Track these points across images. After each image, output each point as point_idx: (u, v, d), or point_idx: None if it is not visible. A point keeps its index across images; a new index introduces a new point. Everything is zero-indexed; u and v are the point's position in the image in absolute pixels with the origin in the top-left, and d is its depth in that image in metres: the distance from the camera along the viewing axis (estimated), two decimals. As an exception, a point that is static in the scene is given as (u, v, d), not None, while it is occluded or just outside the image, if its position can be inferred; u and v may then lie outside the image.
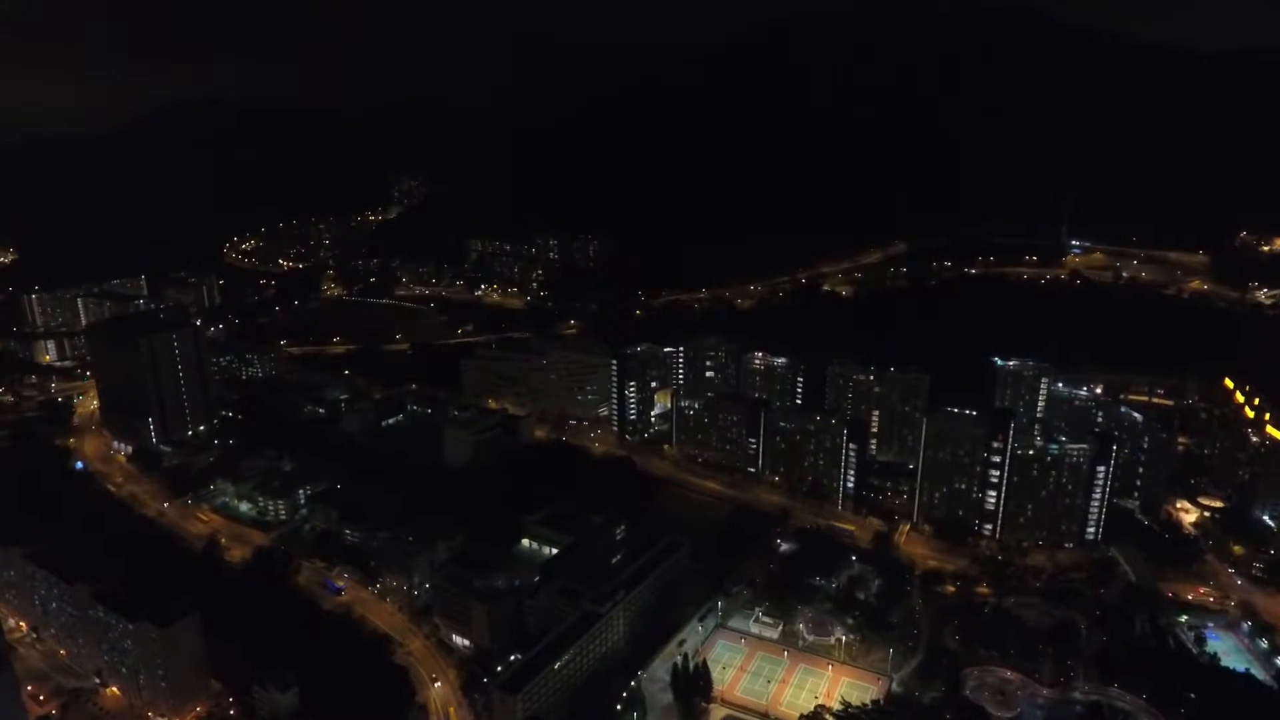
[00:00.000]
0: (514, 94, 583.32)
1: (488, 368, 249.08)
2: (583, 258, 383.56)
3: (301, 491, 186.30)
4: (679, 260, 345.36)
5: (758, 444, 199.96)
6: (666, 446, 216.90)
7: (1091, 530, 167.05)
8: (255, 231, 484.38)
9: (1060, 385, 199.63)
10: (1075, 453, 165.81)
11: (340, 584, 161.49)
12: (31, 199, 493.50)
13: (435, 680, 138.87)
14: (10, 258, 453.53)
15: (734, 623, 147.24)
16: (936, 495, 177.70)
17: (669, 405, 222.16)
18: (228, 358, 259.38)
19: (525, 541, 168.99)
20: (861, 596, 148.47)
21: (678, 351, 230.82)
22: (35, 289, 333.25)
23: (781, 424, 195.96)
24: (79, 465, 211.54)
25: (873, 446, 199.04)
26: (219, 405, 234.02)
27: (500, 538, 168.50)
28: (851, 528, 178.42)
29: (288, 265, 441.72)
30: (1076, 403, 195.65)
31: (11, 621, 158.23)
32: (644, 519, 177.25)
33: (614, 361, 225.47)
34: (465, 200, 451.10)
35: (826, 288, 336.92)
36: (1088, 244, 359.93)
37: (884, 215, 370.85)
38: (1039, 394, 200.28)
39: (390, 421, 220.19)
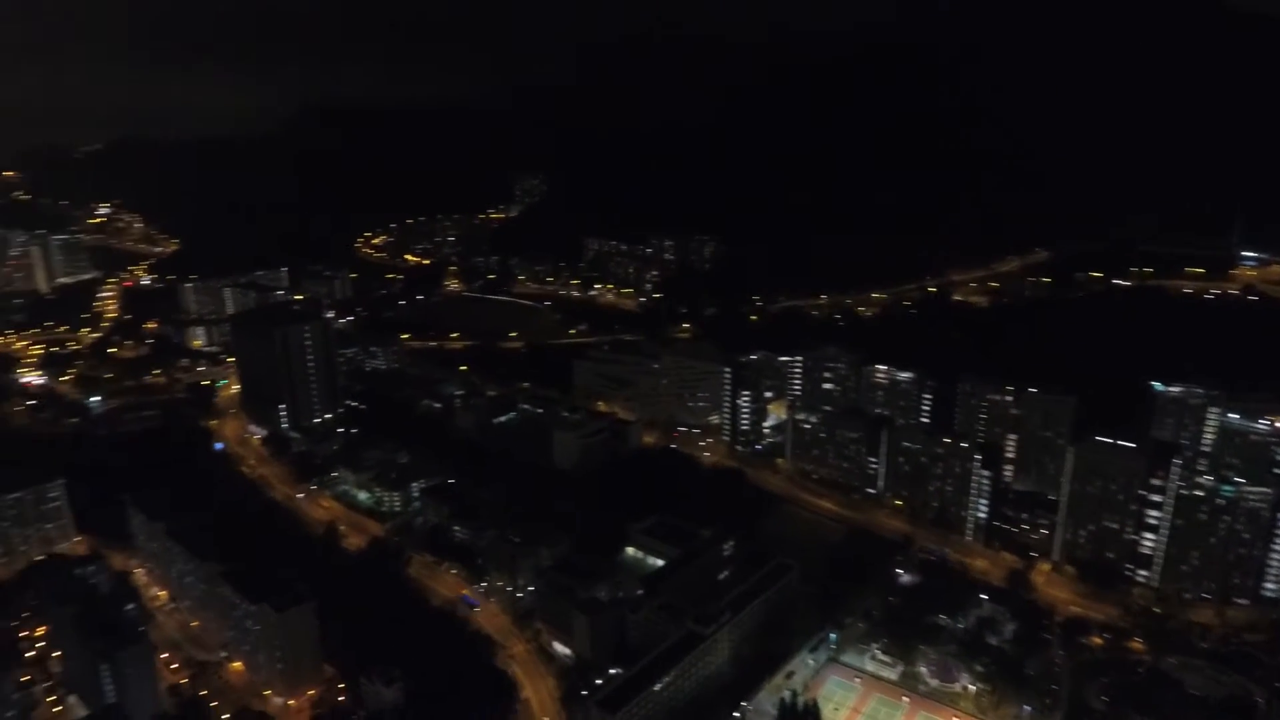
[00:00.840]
0: (635, 91, 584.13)
1: (599, 369, 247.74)
2: (698, 259, 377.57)
3: (415, 485, 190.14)
4: (798, 264, 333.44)
5: (878, 464, 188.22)
6: (780, 460, 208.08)
7: (1271, 586, 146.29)
8: (386, 227, 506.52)
9: (1233, 416, 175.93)
10: (1254, 497, 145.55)
11: (476, 600, 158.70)
12: (197, 194, 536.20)
13: (534, 688, 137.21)
14: (174, 247, 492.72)
15: (848, 658, 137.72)
16: (1082, 533, 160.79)
17: (784, 417, 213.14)
18: (354, 349, 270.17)
19: (630, 550, 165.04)
20: (993, 641, 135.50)
21: (795, 361, 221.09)
22: (191, 278, 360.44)
23: (906, 444, 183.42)
24: (218, 446, 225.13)
25: (1008, 474, 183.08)
26: (344, 395, 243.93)
27: (605, 545, 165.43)
28: (982, 562, 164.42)
29: (414, 261, 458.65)
30: (1253, 437, 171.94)
31: (154, 590, 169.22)
32: (753, 536, 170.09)
33: (727, 369, 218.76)
34: (584, 199, 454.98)
35: (957, 297, 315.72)
36: (1264, 255, 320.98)
37: (1023, 219, 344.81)
38: (1206, 425, 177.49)
39: (502, 419, 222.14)
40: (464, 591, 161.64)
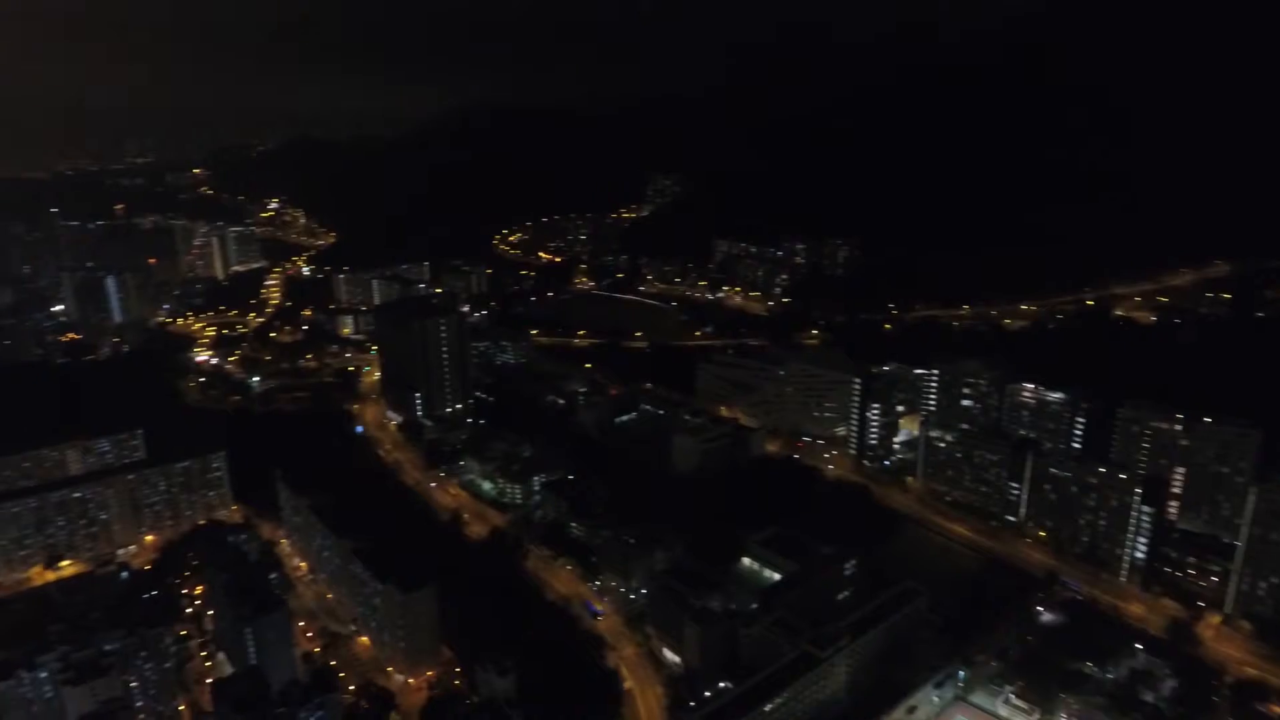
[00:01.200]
0: (769, 92, 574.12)
1: (723, 373, 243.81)
2: (831, 264, 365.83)
3: (536, 479, 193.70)
4: (938, 272, 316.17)
5: (1021, 490, 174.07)
6: (909, 479, 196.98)
7: None
8: (522, 225, 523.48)
9: None
10: None
11: (600, 608, 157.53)
12: (353, 191, 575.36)
13: (642, 693, 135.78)
14: (331, 240, 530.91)
15: (977, 698, 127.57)
16: (1263, 585, 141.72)
17: (916, 433, 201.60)
18: (486, 343, 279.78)
19: (746, 561, 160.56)
20: (1149, 698, 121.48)
21: (931, 374, 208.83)
22: (344, 269, 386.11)
23: (1054, 471, 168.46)
24: (358, 430, 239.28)
25: (1172, 511, 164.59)
26: (475, 387, 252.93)
27: (720, 553, 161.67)
28: (1138, 607, 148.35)
29: (546, 258, 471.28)
30: None
31: (296, 560, 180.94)
32: (877, 556, 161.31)
33: (857, 380, 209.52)
34: (716, 200, 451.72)
35: (1119, 312, 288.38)
36: None
37: (1199, 228, 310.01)
38: None
39: (623, 419, 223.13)
40: (587, 596, 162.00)
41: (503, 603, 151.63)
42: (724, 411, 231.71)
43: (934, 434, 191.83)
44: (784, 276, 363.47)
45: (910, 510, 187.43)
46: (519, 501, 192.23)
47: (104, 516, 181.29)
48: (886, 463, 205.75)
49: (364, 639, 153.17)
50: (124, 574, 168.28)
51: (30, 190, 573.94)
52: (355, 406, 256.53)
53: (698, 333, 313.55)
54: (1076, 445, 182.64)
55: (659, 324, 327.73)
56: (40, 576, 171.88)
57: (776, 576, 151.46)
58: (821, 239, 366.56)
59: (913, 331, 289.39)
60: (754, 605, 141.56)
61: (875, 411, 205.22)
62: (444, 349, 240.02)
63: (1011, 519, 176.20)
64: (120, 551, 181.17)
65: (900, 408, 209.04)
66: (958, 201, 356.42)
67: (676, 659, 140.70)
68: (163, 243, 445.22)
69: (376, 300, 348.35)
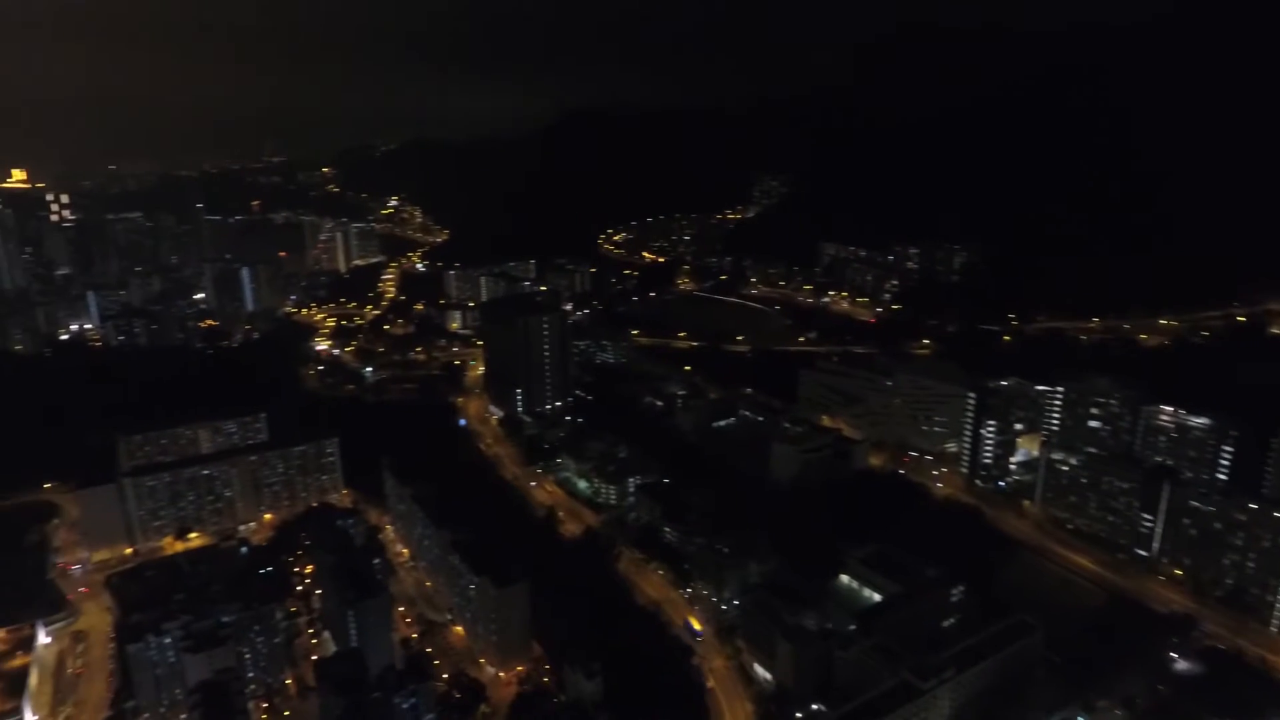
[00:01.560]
0: (882, 90, 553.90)
1: (827, 381, 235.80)
2: (946, 270, 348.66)
3: (632, 480, 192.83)
4: (1064, 280, 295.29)
5: (1154, 523, 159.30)
6: (1026, 503, 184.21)
7: None
8: (627, 224, 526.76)
9: None
10: None
11: (699, 629, 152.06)
12: (466, 189, 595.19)
13: (730, 708, 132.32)
14: (444, 237, 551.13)
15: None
16: None
17: (1035, 454, 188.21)
18: (586, 342, 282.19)
19: (844, 578, 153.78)
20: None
21: (1054, 391, 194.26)
22: (454, 266, 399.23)
23: (1195, 504, 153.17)
24: (461, 422, 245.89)
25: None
26: (574, 385, 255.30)
27: (817, 569, 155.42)
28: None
29: (650, 258, 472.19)
30: None
31: (398, 547, 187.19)
32: (988, 584, 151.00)
33: (971, 394, 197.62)
34: (824, 202, 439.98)
35: (1275, 330, 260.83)
36: None
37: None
38: None
39: (721, 424, 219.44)
40: (677, 603, 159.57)
41: (593, 604, 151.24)
42: (826, 421, 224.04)
43: (1056, 456, 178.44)
44: (894, 282, 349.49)
45: (1026, 536, 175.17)
46: (613, 502, 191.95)
47: (228, 494, 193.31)
48: (1001, 484, 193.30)
49: (459, 629, 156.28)
50: (243, 549, 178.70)
51: (181, 187, 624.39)
52: (459, 400, 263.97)
53: (801, 338, 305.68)
54: (1222, 477, 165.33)
55: (761, 328, 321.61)
56: (171, 546, 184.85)
57: (876, 597, 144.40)
58: (936, 244, 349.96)
59: (1034, 344, 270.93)
60: (851, 626, 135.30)
61: (990, 429, 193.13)
62: (545, 346, 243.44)
63: (1142, 553, 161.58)
64: (241, 528, 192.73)
65: (1018, 426, 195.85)
66: (1086, 207, 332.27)
67: (767, 676, 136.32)
68: (293, 237, 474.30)
69: (484, 296, 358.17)
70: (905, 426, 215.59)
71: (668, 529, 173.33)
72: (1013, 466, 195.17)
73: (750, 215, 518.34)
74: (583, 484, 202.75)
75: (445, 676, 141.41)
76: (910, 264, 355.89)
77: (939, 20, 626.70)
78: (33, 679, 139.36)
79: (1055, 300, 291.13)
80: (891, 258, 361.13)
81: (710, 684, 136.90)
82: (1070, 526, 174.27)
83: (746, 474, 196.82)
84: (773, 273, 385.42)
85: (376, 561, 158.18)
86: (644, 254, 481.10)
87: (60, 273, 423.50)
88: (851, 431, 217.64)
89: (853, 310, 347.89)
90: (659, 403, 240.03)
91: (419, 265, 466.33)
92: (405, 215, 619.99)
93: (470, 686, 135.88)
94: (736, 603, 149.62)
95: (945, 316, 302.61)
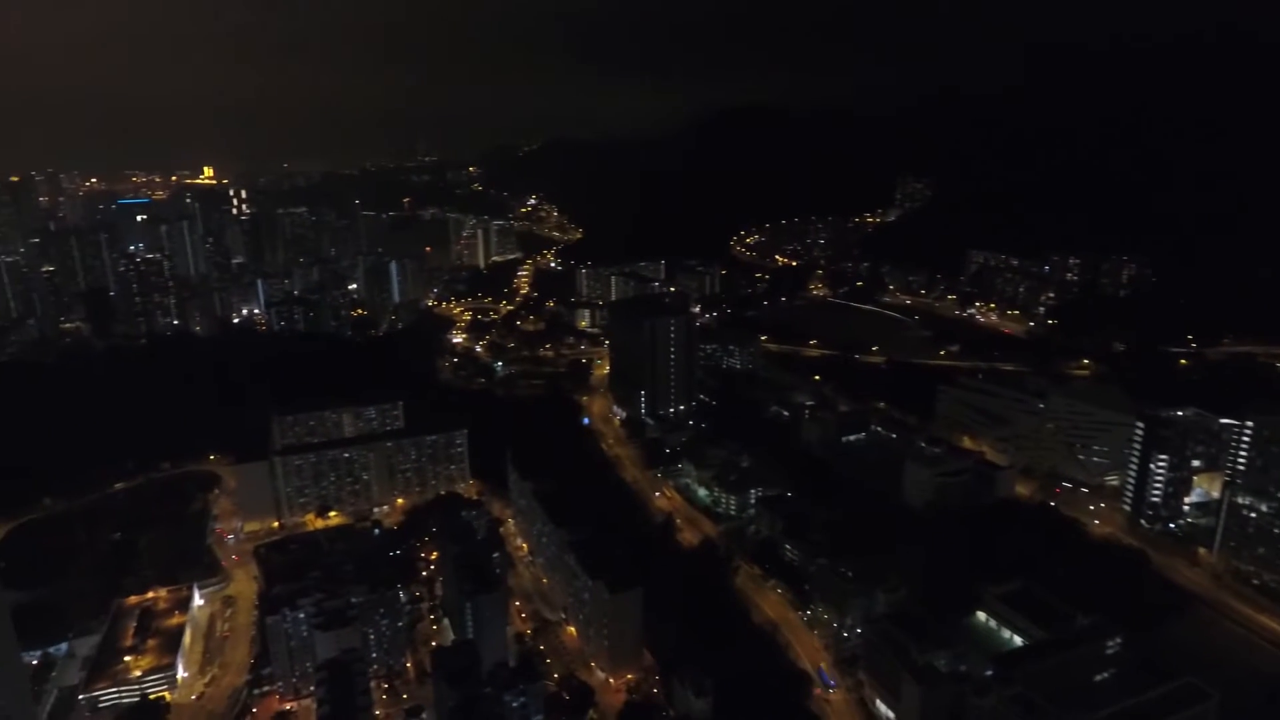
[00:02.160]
0: (1042, 87, 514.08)
1: (969, 400, 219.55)
2: (1111, 283, 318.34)
3: (753, 491, 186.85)
4: (1256, 299, 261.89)
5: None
6: (1202, 550, 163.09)
7: None
8: (760, 226, 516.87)
9: None
10: None
11: (833, 680, 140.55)
12: (601, 189, 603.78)
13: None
14: (578, 236, 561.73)
15: None
16: None
17: (1216, 496, 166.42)
18: (713, 346, 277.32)
19: (981, 616, 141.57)
20: None
21: (1242, 426, 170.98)
22: (586, 264, 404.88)
23: None
24: (585, 421, 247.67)
25: None
26: (699, 389, 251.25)
27: (950, 603, 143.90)
28: None
29: (782, 261, 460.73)
30: None
31: (518, 541, 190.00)
32: (1151, 639, 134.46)
33: (1139, 423, 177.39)
34: (972, 206, 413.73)
35: None
36: None
37: None
38: None
39: (850, 438, 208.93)
40: (795, 625, 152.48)
41: (707, 618, 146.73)
42: (966, 443, 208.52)
43: (1242, 500, 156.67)
44: (1049, 295, 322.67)
45: (1200, 589, 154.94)
46: (733, 513, 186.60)
47: (365, 477, 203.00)
48: (1172, 526, 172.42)
49: (571, 629, 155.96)
50: (376, 530, 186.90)
51: (342, 184, 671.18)
52: (584, 398, 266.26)
53: (942, 352, 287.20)
54: None
55: (897, 338, 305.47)
56: (313, 523, 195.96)
57: (1017, 641, 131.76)
58: (1102, 255, 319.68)
59: (1218, 371, 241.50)
60: (988, 671, 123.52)
61: (1161, 463, 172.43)
62: (672, 349, 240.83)
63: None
64: (375, 510, 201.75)
65: (1196, 462, 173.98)
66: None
67: (890, 715, 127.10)
68: (438, 233, 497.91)
69: (613, 295, 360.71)
70: (1058, 454, 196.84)
71: (789, 546, 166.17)
72: (1187, 508, 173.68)
73: (890, 219, 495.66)
74: (702, 492, 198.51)
75: (555, 677, 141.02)
76: (1070, 275, 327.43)
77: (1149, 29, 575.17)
78: (186, 637, 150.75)
79: (1246, 321, 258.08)
80: (1047, 268, 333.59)
81: (827, 716, 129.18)
82: (1256, 582, 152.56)
83: (876, 494, 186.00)
84: (913, 280, 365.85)
85: (496, 555, 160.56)
86: (776, 257, 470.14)
87: (235, 261, 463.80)
88: (995, 456, 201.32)
89: (1001, 323, 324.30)
90: (786, 412, 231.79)
91: (553, 263, 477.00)
92: (543, 214, 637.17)
93: (580, 690, 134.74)
94: (859, 631, 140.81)
95: (1109, 335, 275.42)
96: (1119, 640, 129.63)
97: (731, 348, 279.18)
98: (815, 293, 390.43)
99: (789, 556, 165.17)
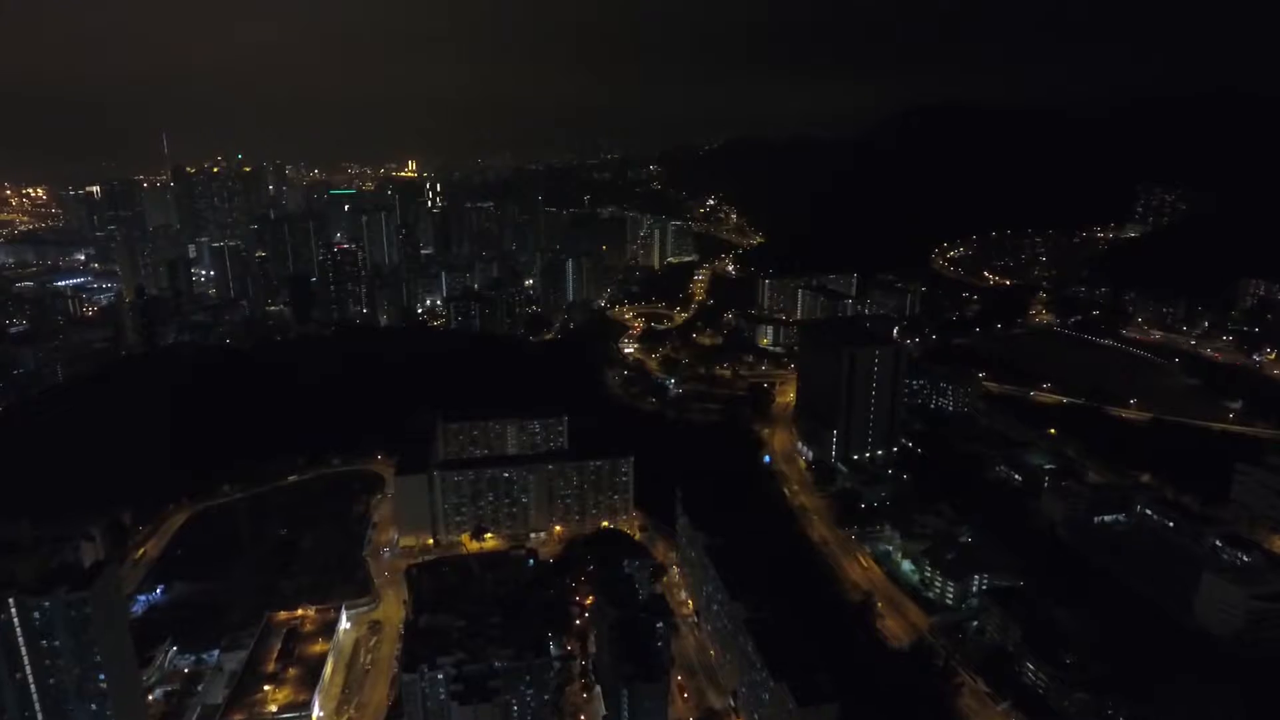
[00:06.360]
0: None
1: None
2: None
3: (977, 578, 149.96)
4: None
5: None
6: None
7: None
8: (966, 238, 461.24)
9: None
10: None
11: None
12: (785, 191, 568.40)
13: None
14: (758, 241, 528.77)
15: None
16: None
17: None
18: (920, 381, 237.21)
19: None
20: None
21: None
22: (768, 272, 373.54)
23: None
24: (766, 459, 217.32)
25: None
26: (901, 432, 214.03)
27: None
28: None
29: (993, 280, 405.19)
30: None
31: (683, 594, 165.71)
32: None
33: None
34: (1244, 223, 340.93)
35: None
36: None
37: None
38: None
39: (1107, 519, 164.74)
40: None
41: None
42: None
43: None
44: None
45: None
46: (949, 603, 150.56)
47: (524, 500, 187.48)
48: None
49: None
50: (530, 561, 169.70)
51: (527, 180, 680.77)
52: (765, 430, 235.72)
53: (1226, 409, 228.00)
54: None
55: (1156, 386, 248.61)
56: (468, 544, 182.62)
57: None
58: None
59: None
60: None
61: None
62: (874, 384, 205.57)
63: None
64: (532, 535, 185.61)
65: None
66: None
67: None
68: (615, 232, 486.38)
69: (799, 311, 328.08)
70: None
71: (1030, 665, 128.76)
72: None
73: (1132, 234, 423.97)
74: (907, 566, 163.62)
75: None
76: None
77: None
78: (328, 669, 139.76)
79: None
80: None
81: None
82: None
83: (1145, 602, 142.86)
84: (1168, 312, 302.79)
85: (660, 627, 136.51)
86: (985, 274, 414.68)
87: (424, 252, 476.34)
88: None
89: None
90: (1016, 475, 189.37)
91: (730, 269, 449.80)
92: (721, 215, 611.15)
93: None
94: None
95: None
96: None
97: (944, 385, 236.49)
98: (1038, 320, 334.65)
99: (1029, 678, 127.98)
